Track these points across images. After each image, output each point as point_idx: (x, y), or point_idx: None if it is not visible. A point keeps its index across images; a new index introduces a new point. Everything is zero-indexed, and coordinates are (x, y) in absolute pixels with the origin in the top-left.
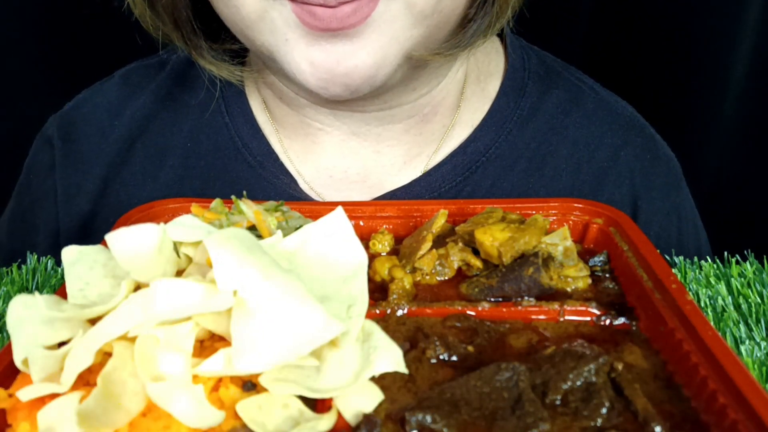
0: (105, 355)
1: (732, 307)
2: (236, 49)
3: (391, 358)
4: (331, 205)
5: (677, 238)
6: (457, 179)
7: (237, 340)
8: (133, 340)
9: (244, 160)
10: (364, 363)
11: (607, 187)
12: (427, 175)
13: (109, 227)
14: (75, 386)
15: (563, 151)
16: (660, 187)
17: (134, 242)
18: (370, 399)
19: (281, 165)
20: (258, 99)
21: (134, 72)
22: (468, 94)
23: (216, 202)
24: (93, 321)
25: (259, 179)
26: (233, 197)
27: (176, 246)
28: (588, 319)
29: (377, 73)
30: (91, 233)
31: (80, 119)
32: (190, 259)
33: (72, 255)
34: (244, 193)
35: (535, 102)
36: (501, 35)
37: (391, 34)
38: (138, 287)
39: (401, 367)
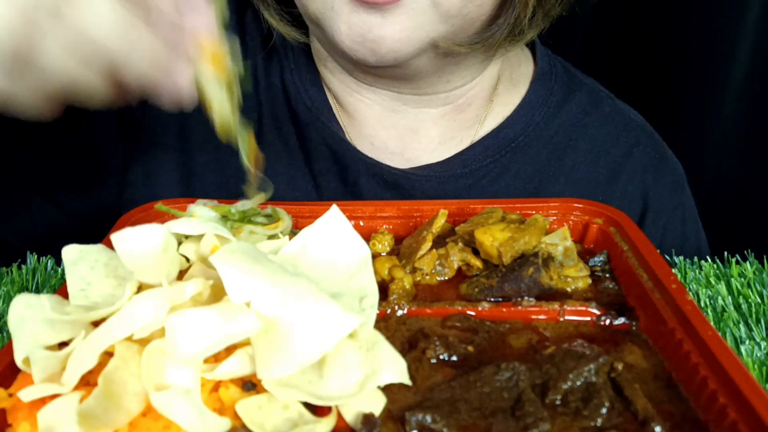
0: (106, 355)
1: (732, 307)
2: (297, 14)
3: (396, 369)
4: (329, 205)
5: (681, 233)
6: (487, 160)
7: (259, 351)
8: (135, 340)
9: (303, 103)
10: (369, 373)
11: (621, 179)
12: (461, 154)
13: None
14: (75, 386)
15: (582, 146)
16: (668, 185)
17: (139, 242)
18: (375, 404)
19: (333, 115)
20: (320, 61)
21: None
22: (500, 90)
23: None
24: (95, 321)
25: (315, 121)
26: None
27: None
28: (588, 319)
29: (401, 48)
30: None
31: None
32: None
33: (72, 254)
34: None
35: (560, 101)
36: (531, 45)
37: (417, 23)
38: (141, 288)
39: (405, 379)
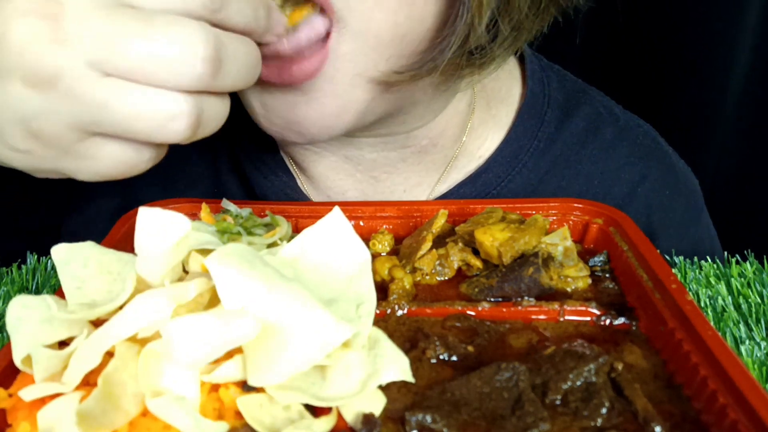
0: (106, 355)
1: (732, 307)
2: None
3: (398, 367)
4: (331, 205)
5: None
6: None
7: (249, 356)
8: (135, 340)
9: (243, 150)
10: (371, 371)
11: None
12: None
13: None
14: (76, 386)
15: (576, 187)
16: (678, 224)
17: (160, 225)
18: (374, 404)
19: (282, 161)
20: None
21: None
22: (475, 124)
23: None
24: (94, 320)
25: (257, 173)
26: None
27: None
28: (588, 319)
29: (336, 123)
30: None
31: None
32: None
33: (63, 253)
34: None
35: (552, 133)
36: (520, 57)
37: (350, 76)
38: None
39: (408, 377)
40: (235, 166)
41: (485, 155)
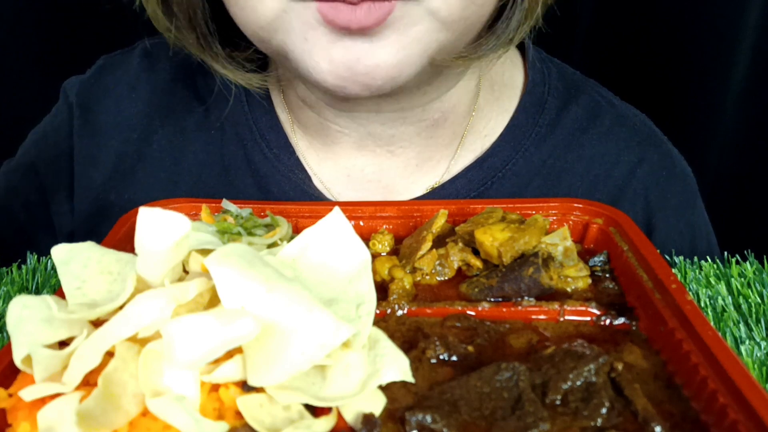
0: (106, 355)
1: (732, 307)
2: (254, 58)
3: (398, 367)
4: (331, 206)
5: (690, 254)
6: (471, 194)
7: (249, 356)
8: (136, 340)
9: (261, 151)
10: (371, 371)
11: (622, 205)
12: (441, 188)
13: (125, 203)
14: (76, 386)
15: (579, 169)
16: (675, 206)
17: (160, 226)
18: (374, 404)
19: (297, 160)
20: (279, 97)
21: (158, 46)
22: (481, 104)
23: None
24: (94, 320)
25: (274, 172)
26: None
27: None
28: (588, 319)
29: (399, 74)
30: (106, 209)
31: (100, 90)
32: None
33: (63, 253)
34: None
35: (553, 119)
36: (520, 47)
37: (413, 36)
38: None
39: (408, 377)
40: (250, 167)
41: (490, 135)
